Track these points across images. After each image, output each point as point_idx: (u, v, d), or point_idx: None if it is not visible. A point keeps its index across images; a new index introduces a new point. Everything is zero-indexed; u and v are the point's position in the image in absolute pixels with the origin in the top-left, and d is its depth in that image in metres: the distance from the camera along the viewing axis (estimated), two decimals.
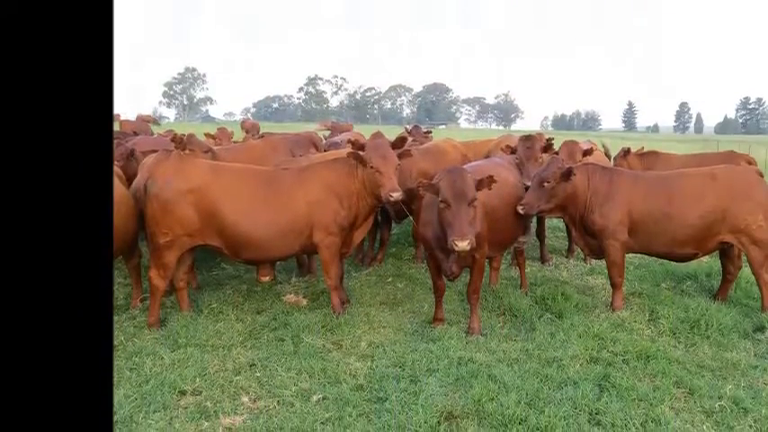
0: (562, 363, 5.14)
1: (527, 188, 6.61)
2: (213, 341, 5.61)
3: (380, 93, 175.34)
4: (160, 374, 4.88)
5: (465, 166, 6.15)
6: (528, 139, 7.57)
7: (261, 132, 17.02)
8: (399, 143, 6.80)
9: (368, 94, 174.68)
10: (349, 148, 6.95)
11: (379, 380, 4.84)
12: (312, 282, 7.63)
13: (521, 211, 6.37)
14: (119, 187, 6.20)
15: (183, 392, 4.66)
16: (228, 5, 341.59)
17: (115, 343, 5.54)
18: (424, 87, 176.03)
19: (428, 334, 5.88)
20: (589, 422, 4.23)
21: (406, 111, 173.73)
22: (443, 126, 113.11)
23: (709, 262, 8.14)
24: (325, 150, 9.71)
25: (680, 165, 9.29)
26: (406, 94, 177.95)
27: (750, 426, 4.24)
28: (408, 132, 11.71)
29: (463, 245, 5.15)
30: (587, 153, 7.98)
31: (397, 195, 5.96)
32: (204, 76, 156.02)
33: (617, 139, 36.71)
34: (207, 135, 12.11)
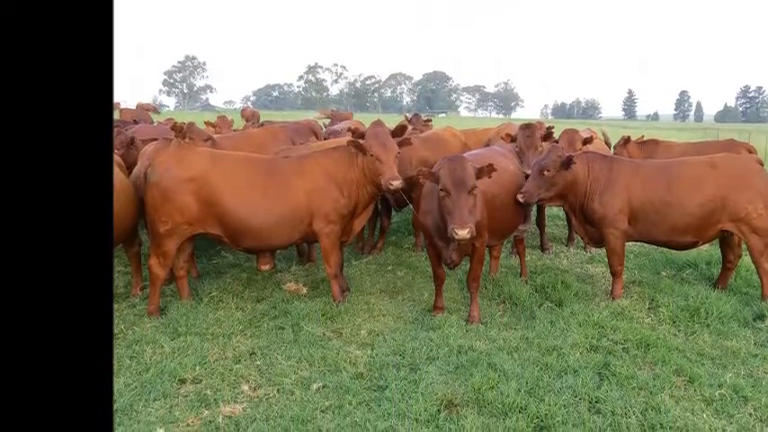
0: (562, 351, 5.14)
1: (527, 176, 6.60)
2: (213, 329, 5.62)
3: (380, 81, 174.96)
4: (160, 363, 4.88)
5: (465, 155, 6.13)
6: (528, 127, 7.57)
7: (261, 121, 17.05)
8: (399, 131, 6.77)
9: (368, 82, 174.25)
10: (349, 137, 6.93)
11: (379, 368, 4.85)
12: (312, 270, 7.64)
13: (521, 200, 6.36)
14: (119, 175, 6.18)
15: (183, 381, 4.68)
16: None
17: (115, 331, 5.55)
18: (424, 76, 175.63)
19: (428, 322, 5.89)
20: (589, 410, 4.23)
21: (407, 99, 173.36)
22: (443, 114, 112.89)
23: (710, 250, 8.13)
24: (325, 139, 9.69)
25: (680, 153, 9.26)
26: (406, 82, 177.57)
27: (750, 414, 4.25)
28: (408, 121, 11.69)
29: (463, 233, 5.14)
30: (587, 141, 7.97)
31: (397, 184, 5.95)
32: (204, 64, 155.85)
33: (617, 128, 36.66)
34: (207, 123, 12.11)
